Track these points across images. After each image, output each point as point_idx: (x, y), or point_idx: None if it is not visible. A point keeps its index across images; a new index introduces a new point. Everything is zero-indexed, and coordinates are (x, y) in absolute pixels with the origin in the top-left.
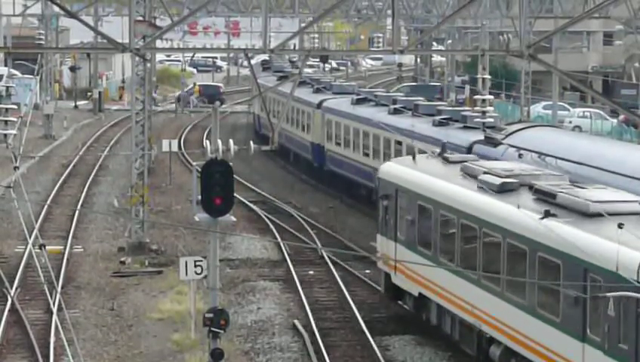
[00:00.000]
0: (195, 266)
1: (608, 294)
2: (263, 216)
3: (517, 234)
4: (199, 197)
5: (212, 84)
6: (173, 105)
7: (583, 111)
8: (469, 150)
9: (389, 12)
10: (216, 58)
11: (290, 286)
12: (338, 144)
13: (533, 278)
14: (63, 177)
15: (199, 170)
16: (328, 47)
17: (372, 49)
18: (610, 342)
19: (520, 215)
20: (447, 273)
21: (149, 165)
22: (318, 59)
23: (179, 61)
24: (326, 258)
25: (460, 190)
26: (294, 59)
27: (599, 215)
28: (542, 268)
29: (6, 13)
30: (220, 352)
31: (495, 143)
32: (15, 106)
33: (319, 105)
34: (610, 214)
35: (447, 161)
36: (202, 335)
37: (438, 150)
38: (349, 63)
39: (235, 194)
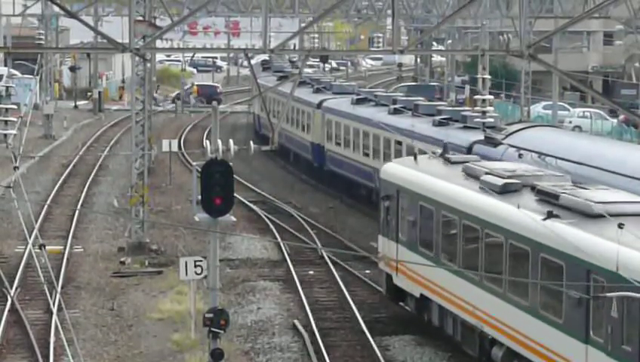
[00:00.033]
0: (195, 266)
1: (609, 294)
2: (263, 216)
3: (519, 235)
4: (199, 197)
5: (210, 84)
6: (173, 105)
7: (583, 112)
8: (469, 150)
9: (389, 12)
10: (216, 58)
11: (290, 287)
12: (338, 144)
13: (536, 279)
14: (62, 177)
15: (199, 170)
16: (328, 47)
17: (372, 49)
18: (613, 343)
19: (522, 216)
20: (449, 274)
21: (149, 165)
22: (318, 59)
23: (179, 61)
24: (326, 258)
25: (462, 191)
26: (294, 59)
27: (602, 216)
28: (544, 269)
29: (6, 13)
30: (219, 352)
31: (495, 143)
32: (15, 106)
33: (319, 105)
34: (613, 215)
35: (448, 161)
36: (202, 336)
37: (439, 150)
38: (349, 63)
39: (235, 194)
